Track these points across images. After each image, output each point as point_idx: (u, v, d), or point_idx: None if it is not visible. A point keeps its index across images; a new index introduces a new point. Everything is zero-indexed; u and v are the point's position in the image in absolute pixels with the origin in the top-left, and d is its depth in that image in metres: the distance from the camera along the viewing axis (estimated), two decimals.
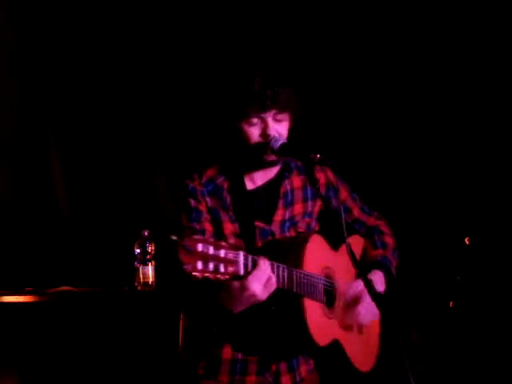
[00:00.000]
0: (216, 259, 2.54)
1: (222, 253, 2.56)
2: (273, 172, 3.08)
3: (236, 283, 2.69)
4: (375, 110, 4.82)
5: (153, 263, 4.45)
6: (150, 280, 4.44)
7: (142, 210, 4.95)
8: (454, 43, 4.69)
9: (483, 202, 4.61)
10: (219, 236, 2.97)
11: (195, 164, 3.11)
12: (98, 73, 4.97)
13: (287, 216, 3.06)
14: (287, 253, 2.92)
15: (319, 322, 2.94)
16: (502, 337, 4.27)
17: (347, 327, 3.07)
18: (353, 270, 3.03)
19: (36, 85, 4.95)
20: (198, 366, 3.02)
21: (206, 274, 2.52)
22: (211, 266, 2.52)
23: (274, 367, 3.00)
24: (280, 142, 2.94)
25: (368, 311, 3.03)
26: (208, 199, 3.00)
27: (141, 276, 4.44)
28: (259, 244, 2.99)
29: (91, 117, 4.99)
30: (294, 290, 2.84)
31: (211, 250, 2.53)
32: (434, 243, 4.60)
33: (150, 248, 4.44)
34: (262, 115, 2.94)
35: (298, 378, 3.03)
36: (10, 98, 4.93)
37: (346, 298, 3.06)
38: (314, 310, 2.92)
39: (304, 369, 3.05)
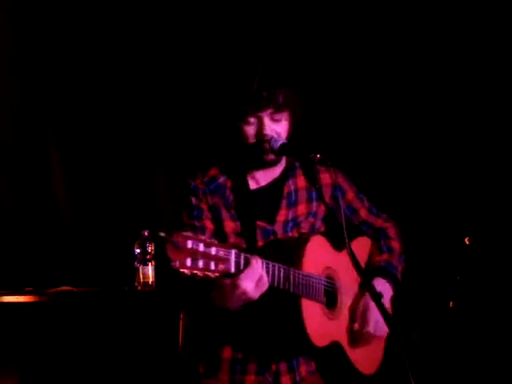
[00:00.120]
0: (206, 256, 2.53)
1: (213, 250, 2.56)
2: (277, 172, 3.08)
3: (227, 281, 2.69)
4: (375, 111, 4.82)
5: (153, 263, 4.45)
6: (150, 280, 4.44)
7: (142, 209, 4.95)
8: (454, 43, 4.69)
9: (483, 202, 4.60)
10: (220, 234, 2.98)
11: (195, 164, 3.12)
12: (98, 73, 4.97)
13: (290, 216, 3.06)
14: (287, 253, 2.92)
15: (318, 323, 2.94)
16: (502, 337, 4.26)
17: (356, 337, 3.07)
18: (356, 272, 3.02)
19: (36, 85, 4.95)
20: (198, 365, 3.02)
21: (195, 271, 2.52)
22: (201, 263, 2.52)
23: (273, 367, 3.00)
24: (280, 142, 2.95)
25: (377, 324, 3.03)
26: (209, 197, 3.01)
27: (141, 276, 4.44)
28: (260, 243, 2.99)
29: (91, 117, 4.98)
30: (291, 289, 2.84)
31: (201, 247, 2.53)
32: (434, 243, 4.60)
33: (150, 248, 4.44)
34: (259, 114, 2.95)
35: (297, 378, 3.03)
36: (10, 97, 4.93)
37: (352, 304, 3.07)
38: (312, 311, 2.92)
39: (304, 369, 3.05)
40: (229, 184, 3.03)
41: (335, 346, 3.00)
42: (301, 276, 2.87)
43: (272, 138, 2.94)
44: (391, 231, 3.26)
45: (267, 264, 2.76)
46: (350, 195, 3.19)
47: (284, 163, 3.09)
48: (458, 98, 4.70)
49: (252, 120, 2.96)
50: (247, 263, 2.68)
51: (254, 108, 2.93)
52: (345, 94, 4.84)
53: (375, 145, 4.80)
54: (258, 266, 2.71)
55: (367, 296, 3.03)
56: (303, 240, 2.97)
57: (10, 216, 4.87)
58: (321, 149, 2.92)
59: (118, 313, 4.37)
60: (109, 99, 4.99)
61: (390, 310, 3.04)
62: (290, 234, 3.05)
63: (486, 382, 4.21)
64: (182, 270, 2.50)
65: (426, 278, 4.49)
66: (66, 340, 4.33)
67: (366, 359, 3.12)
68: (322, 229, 3.13)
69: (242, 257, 2.67)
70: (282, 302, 2.87)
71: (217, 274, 2.58)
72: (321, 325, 2.96)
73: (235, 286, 2.69)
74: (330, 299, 3.02)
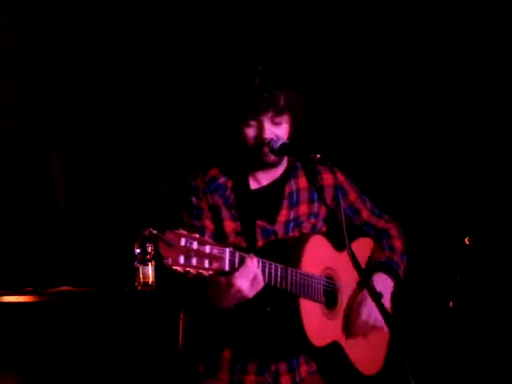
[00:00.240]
0: (200, 254, 2.54)
1: (208, 248, 2.56)
2: (278, 172, 3.08)
3: (222, 279, 2.69)
4: (375, 111, 4.83)
5: (153, 263, 4.45)
6: (150, 280, 4.45)
7: (142, 209, 4.95)
8: (454, 43, 4.69)
9: (483, 202, 4.61)
10: (220, 234, 2.98)
11: (196, 164, 3.12)
12: (98, 73, 4.97)
13: (292, 216, 3.06)
14: (287, 252, 2.92)
15: (317, 323, 2.93)
16: (501, 337, 4.27)
17: (350, 330, 3.07)
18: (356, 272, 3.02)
19: (36, 85, 4.95)
20: (198, 364, 3.03)
21: (188, 269, 2.52)
22: (194, 260, 2.52)
23: (273, 367, 3.00)
24: (280, 142, 2.94)
25: (370, 314, 3.03)
26: (210, 197, 3.01)
27: (141, 276, 4.44)
28: (260, 243, 2.99)
29: (91, 117, 4.99)
30: (289, 289, 2.83)
31: (195, 245, 2.53)
32: (434, 243, 4.60)
33: (150, 248, 4.44)
34: (259, 117, 2.94)
35: (297, 379, 3.03)
36: (10, 97, 4.93)
37: (350, 300, 3.07)
38: (311, 311, 2.91)
39: (304, 370, 3.04)
40: (229, 184, 3.03)
41: (335, 346, 3.00)
42: (299, 275, 2.87)
43: (271, 140, 2.94)
44: (393, 231, 3.26)
45: (263, 263, 2.76)
46: (353, 196, 3.18)
47: (286, 163, 3.09)
48: (458, 98, 4.70)
49: (252, 123, 2.95)
50: (242, 262, 2.68)
51: (255, 111, 2.92)
52: (346, 94, 4.84)
53: (376, 145, 4.80)
54: (253, 265, 2.70)
55: (365, 291, 3.02)
56: (303, 239, 2.96)
57: (9, 216, 4.87)
58: (322, 149, 2.92)
59: (118, 313, 4.37)
60: (109, 99, 4.99)
61: (390, 310, 3.03)
62: (291, 235, 3.04)
63: (485, 382, 4.21)
64: (174, 268, 2.50)
65: (426, 278, 4.49)
66: (66, 340, 4.33)
67: (366, 359, 3.11)
68: (324, 229, 3.12)
69: (237, 255, 2.67)
70: (280, 301, 2.86)
71: (211, 272, 2.59)
72: (320, 325, 2.96)
73: (230, 285, 2.69)
74: (330, 299, 3.02)
